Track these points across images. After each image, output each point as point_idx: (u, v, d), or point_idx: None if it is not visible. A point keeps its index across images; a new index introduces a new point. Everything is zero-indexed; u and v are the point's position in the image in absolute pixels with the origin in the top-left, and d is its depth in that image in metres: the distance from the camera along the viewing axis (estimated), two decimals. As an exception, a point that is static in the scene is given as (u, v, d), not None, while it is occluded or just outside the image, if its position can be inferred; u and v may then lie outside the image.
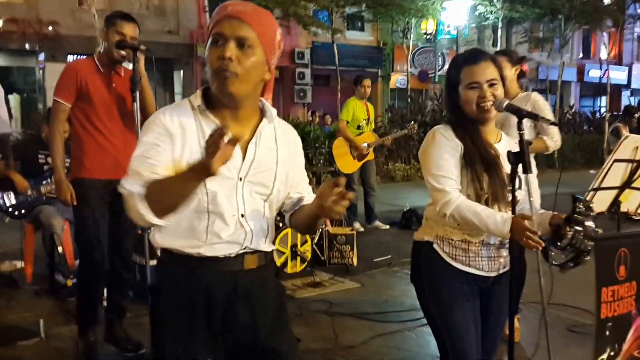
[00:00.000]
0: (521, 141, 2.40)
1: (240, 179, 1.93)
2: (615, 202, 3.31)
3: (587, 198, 3.16)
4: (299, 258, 6.02)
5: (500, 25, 22.31)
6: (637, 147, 3.15)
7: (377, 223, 8.24)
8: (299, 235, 5.96)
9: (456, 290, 2.57)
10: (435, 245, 2.58)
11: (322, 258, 6.42)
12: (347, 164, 8.01)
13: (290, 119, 13.76)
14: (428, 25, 21.40)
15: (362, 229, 8.02)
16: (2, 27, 16.45)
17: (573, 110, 23.05)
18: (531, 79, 25.85)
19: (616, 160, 3.12)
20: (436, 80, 22.90)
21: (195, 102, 1.91)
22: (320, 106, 19.61)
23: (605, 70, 21.35)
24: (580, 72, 30.52)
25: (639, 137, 3.25)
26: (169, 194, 1.76)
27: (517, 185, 2.47)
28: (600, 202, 3.27)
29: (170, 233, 1.94)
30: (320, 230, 6.46)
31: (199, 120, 1.90)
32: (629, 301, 3.26)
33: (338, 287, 5.76)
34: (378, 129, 13.46)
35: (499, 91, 2.53)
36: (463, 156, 2.49)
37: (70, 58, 16.22)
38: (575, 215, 2.41)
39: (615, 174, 3.21)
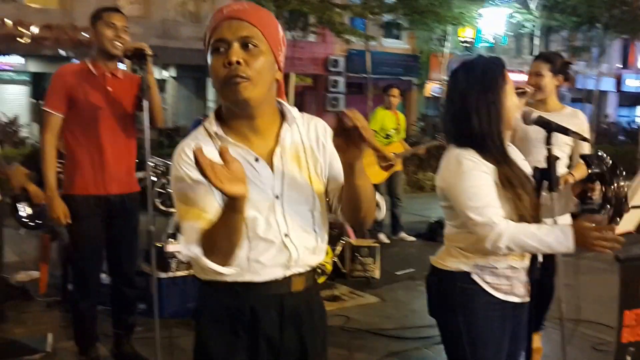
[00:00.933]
0: (549, 157, 2.25)
1: (277, 196, 1.79)
2: (644, 221, 3.11)
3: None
4: (319, 271, 5.87)
5: (538, 34, 21.93)
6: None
7: (403, 234, 8.05)
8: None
9: (495, 328, 2.34)
10: (474, 276, 2.31)
11: (343, 271, 6.26)
12: (373, 174, 7.83)
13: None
14: (467, 33, 21.15)
15: (387, 241, 7.85)
16: (37, 33, 16.70)
17: (608, 119, 22.57)
18: (569, 87, 25.40)
19: (645, 177, 2.91)
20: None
21: (212, 129, 1.78)
22: (355, 114, 19.39)
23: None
24: (618, 81, 29.92)
25: None
26: (220, 240, 1.67)
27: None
28: (629, 220, 3.07)
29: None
30: (343, 242, 6.32)
31: (215, 146, 1.75)
32: (654, 326, 3.04)
33: (357, 302, 5.61)
34: (409, 138, 13.28)
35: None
36: (499, 178, 2.23)
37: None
38: (593, 170, 2.24)
39: (642, 190, 3.00)
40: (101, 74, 3.61)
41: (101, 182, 3.63)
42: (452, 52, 21.75)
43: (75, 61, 17.08)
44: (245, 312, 1.83)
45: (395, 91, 7.87)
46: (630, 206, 2.96)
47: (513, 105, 2.30)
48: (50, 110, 3.57)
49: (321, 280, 5.86)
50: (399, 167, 7.98)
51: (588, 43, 21.79)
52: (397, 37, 23.79)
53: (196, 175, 1.63)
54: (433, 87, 24.55)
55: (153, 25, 18.07)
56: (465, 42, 21.75)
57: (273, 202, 1.78)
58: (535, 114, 2.35)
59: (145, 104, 3.54)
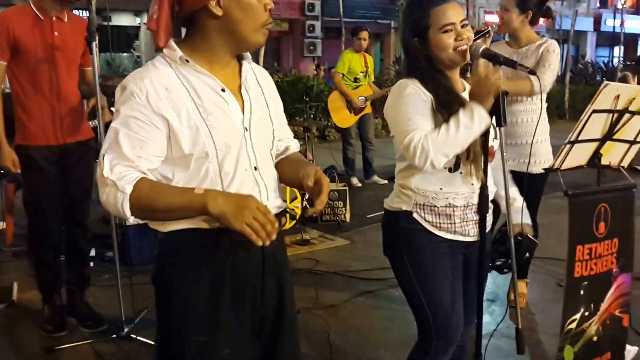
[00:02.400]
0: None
1: (246, 128, 1.78)
2: (596, 155, 3.10)
3: (564, 151, 2.96)
4: (288, 215, 5.86)
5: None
6: (617, 96, 2.91)
7: (376, 178, 8.05)
8: (288, 191, 5.82)
9: (442, 264, 2.38)
10: (415, 215, 2.35)
11: (314, 215, 6.28)
12: (343, 118, 7.81)
13: (292, 73, 13.51)
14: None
15: (359, 184, 7.88)
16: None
17: (585, 60, 22.48)
18: (548, 28, 25.23)
19: (595, 111, 2.88)
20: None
21: (175, 55, 1.71)
22: (332, 60, 19.25)
23: (622, 20, 20.73)
24: (597, 21, 29.63)
25: (620, 84, 3.00)
26: (160, 208, 1.65)
27: (491, 138, 2.29)
28: (579, 156, 3.07)
29: None
30: (312, 186, 6.30)
31: (183, 75, 1.72)
32: (609, 259, 3.07)
33: (327, 245, 5.66)
34: (385, 82, 13.18)
35: (471, 33, 2.31)
36: (437, 108, 2.24)
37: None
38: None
39: (595, 125, 2.97)
40: (48, 18, 3.45)
41: (54, 130, 3.52)
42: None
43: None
44: (226, 267, 1.78)
45: (364, 34, 7.75)
46: (579, 139, 2.97)
47: (441, 46, 2.27)
48: None
49: (291, 224, 5.88)
50: (368, 110, 7.93)
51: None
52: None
53: (152, 116, 1.65)
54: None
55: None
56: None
57: (243, 134, 1.77)
58: (481, 47, 2.27)
59: (94, 45, 3.39)
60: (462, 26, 2.28)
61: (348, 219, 6.32)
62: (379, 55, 22.99)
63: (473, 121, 2.14)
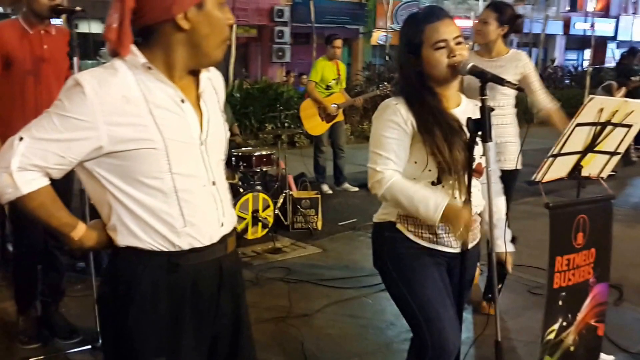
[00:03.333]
0: (483, 107, 2.18)
1: (202, 142, 1.71)
2: (577, 168, 3.12)
3: (547, 164, 2.97)
4: (260, 224, 5.80)
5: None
6: (601, 110, 2.92)
7: (346, 185, 8.00)
8: (260, 200, 5.75)
9: (425, 264, 2.39)
10: (398, 225, 2.40)
11: (286, 223, 6.21)
12: (315, 125, 7.76)
13: (263, 80, 13.42)
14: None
15: (330, 192, 7.81)
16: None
17: (554, 64, 22.74)
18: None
19: (579, 125, 2.90)
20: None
21: (139, 60, 1.63)
22: (301, 65, 19.23)
23: (592, 23, 21.01)
24: (567, 25, 29.82)
25: (604, 98, 3.02)
26: (42, 220, 1.67)
27: (476, 154, 2.29)
28: (561, 167, 3.08)
29: (133, 227, 1.66)
30: (284, 194, 6.25)
31: (143, 82, 1.63)
32: (586, 269, 3.07)
33: (299, 253, 5.58)
34: (354, 88, 13.19)
35: (466, 51, 2.33)
36: (419, 129, 2.29)
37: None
38: None
39: (577, 138, 2.99)
40: (37, 31, 3.46)
41: None
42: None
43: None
44: (186, 287, 1.71)
45: (338, 42, 7.71)
46: (560, 153, 2.97)
47: (433, 62, 2.30)
48: None
49: (263, 233, 5.81)
50: (340, 117, 7.90)
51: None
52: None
53: (95, 123, 1.57)
54: (380, 36, 24.35)
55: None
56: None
57: (199, 148, 1.71)
58: (470, 64, 2.27)
59: (75, 61, 3.38)
60: (457, 43, 2.30)
61: (320, 227, 6.26)
62: (347, 60, 23.04)
63: (428, 210, 2.23)
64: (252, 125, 10.97)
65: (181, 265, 1.69)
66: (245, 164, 6.04)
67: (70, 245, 1.72)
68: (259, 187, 5.95)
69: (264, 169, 6.17)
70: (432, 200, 2.23)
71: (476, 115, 2.23)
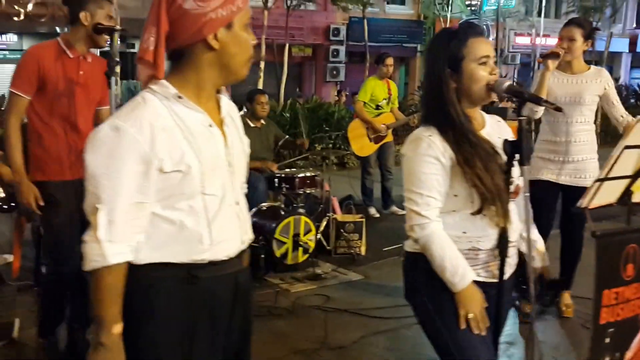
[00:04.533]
0: (520, 129, 2.05)
1: (229, 164, 1.82)
2: (627, 193, 2.86)
3: (593, 188, 2.73)
4: (301, 249, 5.61)
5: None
6: (653, 131, 2.67)
7: (394, 208, 7.75)
8: (302, 223, 5.57)
9: None
10: None
11: (328, 248, 6.02)
12: (363, 146, 7.57)
13: (313, 99, 13.30)
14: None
15: (377, 215, 7.60)
16: (32, 10, 16.37)
17: (619, 82, 22.00)
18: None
19: (627, 147, 2.66)
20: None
21: (170, 91, 1.72)
22: (354, 85, 19.13)
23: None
24: (633, 42, 28.95)
25: None
26: (96, 300, 1.70)
27: (515, 176, 2.15)
28: (609, 192, 2.83)
29: (158, 243, 1.73)
30: (327, 217, 6.07)
31: (174, 112, 1.72)
32: (636, 304, 2.80)
33: (339, 280, 5.39)
34: (409, 107, 12.95)
35: (497, 71, 2.21)
36: (458, 161, 2.14)
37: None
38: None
39: (627, 161, 2.75)
40: (76, 57, 3.45)
41: (76, 166, 3.44)
42: (458, 17, 21.30)
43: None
44: (205, 299, 1.78)
45: (389, 60, 7.51)
46: (608, 177, 2.72)
47: (476, 78, 2.17)
48: (17, 92, 3.37)
49: (303, 258, 5.63)
50: (389, 138, 7.69)
51: (600, 3, 21.08)
52: (402, 3, 23.28)
53: (139, 170, 1.66)
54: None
55: (150, -1, 17.71)
56: (471, 5, 21.29)
57: (227, 169, 1.80)
58: (506, 83, 2.15)
59: (113, 80, 3.39)
60: (494, 62, 2.21)
61: (363, 252, 6.05)
62: (404, 79, 22.86)
63: (454, 276, 2.16)
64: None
65: (200, 277, 1.75)
66: (288, 186, 5.92)
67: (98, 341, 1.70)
68: (301, 210, 5.79)
69: (308, 191, 6.01)
70: (461, 269, 2.16)
71: (502, 133, 2.19)
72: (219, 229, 1.76)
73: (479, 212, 2.17)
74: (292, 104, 11.86)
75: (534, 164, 4.25)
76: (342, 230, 6.01)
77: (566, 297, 4.44)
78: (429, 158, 2.15)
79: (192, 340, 1.78)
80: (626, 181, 2.76)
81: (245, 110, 6.37)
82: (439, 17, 22.01)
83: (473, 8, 21.48)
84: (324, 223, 6.06)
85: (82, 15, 3.35)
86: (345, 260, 5.89)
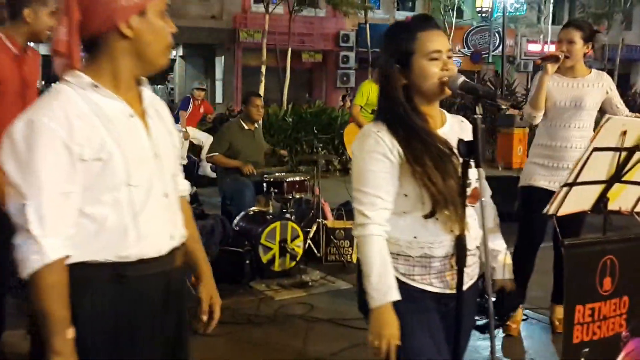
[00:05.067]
0: (475, 128, 1.91)
1: (155, 155, 1.75)
2: (602, 200, 2.68)
3: (560, 194, 2.56)
4: (288, 255, 5.48)
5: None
6: (624, 132, 2.49)
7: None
8: (289, 229, 5.44)
9: (415, 309, 2.08)
10: None
11: (318, 255, 5.88)
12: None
13: (317, 104, 13.15)
14: (484, 2, 20.53)
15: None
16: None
17: (633, 90, 21.66)
18: (596, 58, 24.51)
19: (596, 149, 2.47)
20: (490, 60, 21.92)
21: (85, 80, 1.66)
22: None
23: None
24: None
25: (626, 119, 2.61)
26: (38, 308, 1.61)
27: (471, 178, 2.02)
28: (581, 200, 2.65)
29: (81, 240, 1.63)
30: (317, 223, 5.94)
31: (92, 102, 1.66)
32: (616, 321, 2.62)
33: (327, 288, 5.24)
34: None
35: (455, 67, 2.06)
36: (407, 158, 2.01)
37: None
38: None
39: (599, 165, 2.56)
40: (21, 51, 3.32)
41: None
42: (468, 23, 21.14)
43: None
44: (129, 301, 1.69)
45: None
46: (577, 182, 2.55)
47: (425, 74, 2.03)
48: None
49: (291, 265, 5.49)
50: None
51: (611, 9, 20.82)
52: (412, 9, 23.15)
53: (67, 160, 1.59)
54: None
55: (161, 4, 17.72)
56: (482, 11, 21.14)
57: (153, 161, 1.74)
58: (460, 79, 2.00)
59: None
60: (448, 57, 2.05)
61: (355, 260, 5.90)
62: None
63: (376, 292, 2.01)
64: (303, 150, 10.75)
65: (128, 276, 1.68)
66: (276, 190, 5.80)
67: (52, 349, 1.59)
68: (287, 215, 5.66)
69: (297, 196, 5.88)
70: (385, 286, 2.00)
71: (464, 134, 2.01)
72: (146, 223, 1.69)
73: (431, 215, 2.04)
74: (294, 109, 11.76)
75: (527, 170, 4.10)
76: (332, 237, 5.87)
77: (558, 312, 4.23)
78: (376, 155, 2.03)
79: (121, 344, 1.70)
80: (600, 187, 2.58)
81: (239, 112, 6.30)
82: (449, 25, 21.88)
83: (484, 15, 21.30)
84: (314, 229, 5.92)
85: (25, 12, 3.24)
86: (336, 268, 5.74)
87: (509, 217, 3.39)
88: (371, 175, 2.03)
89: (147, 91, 1.82)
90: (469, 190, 2.01)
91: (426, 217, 2.04)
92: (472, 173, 1.99)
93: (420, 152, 2.01)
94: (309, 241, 5.76)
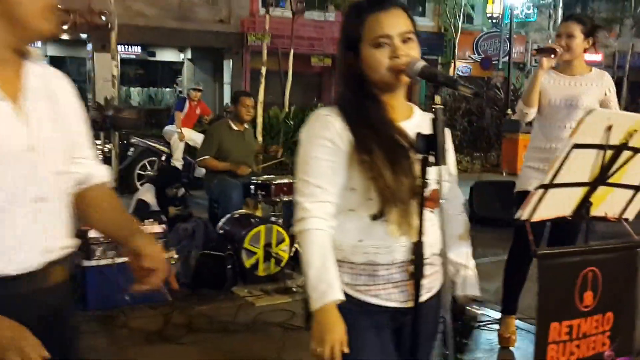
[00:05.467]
0: (435, 120, 1.70)
1: (29, 149, 1.46)
2: (584, 204, 2.44)
3: (535, 197, 2.33)
4: (273, 259, 5.29)
5: (560, 5, 20.95)
6: (609, 127, 2.25)
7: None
8: (274, 233, 5.24)
9: (362, 326, 1.85)
10: None
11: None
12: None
13: (318, 107, 12.92)
14: (494, 8, 20.30)
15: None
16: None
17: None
18: (607, 65, 24.20)
19: (576, 146, 2.24)
20: (500, 67, 21.68)
21: None
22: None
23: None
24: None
25: (612, 112, 2.37)
26: None
27: (432, 179, 1.77)
28: (559, 203, 2.41)
29: None
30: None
31: None
32: (598, 340, 2.39)
33: (311, 294, 5.02)
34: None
35: (415, 51, 1.82)
36: (356, 146, 1.79)
37: (120, 48, 16.03)
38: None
39: (580, 164, 2.31)
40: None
41: None
42: (479, 29, 20.92)
43: (89, 46, 16.90)
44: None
45: None
46: (555, 183, 2.33)
47: (371, 63, 1.82)
48: None
49: (276, 270, 5.29)
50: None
51: (620, 14, 20.50)
52: (422, 14, 22.95)
53: None
54: (459, 66, 23.68)
55: (169, 7, 17.73)
56: (492, 17, 20.92)
57: (24, 155, 1.45)
58: (420, 64, 1.77)
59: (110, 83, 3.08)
60: (404, 40, 1.80)
61: (344, 266, 5.69)
62: (425, 91, 22.47)
63: (314, 291, 1.76)
64: (304, 153, 10.56)
65: None
66: (264, 193, 5.62)
67: None
68: (273, 219, 5.47)
69: (286, 199, 5.70)
70: (324, 284, 1.75)
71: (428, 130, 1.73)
72: (3, 235, 1.42)
73: (380, 215, 1.81)
74: (296, 111, 11.60)
75: (523, 174, 3.89)
76: (321, 242, 5.66)
77: (511, 323, 4.07)
78: (323, 140, 1.81)
79: None
80: (582, 190, 2.34)
81: (228, 112, 6.15)
82: (461, 31, 21.69)
83: (495, 20, 21.06)
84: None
85: None
86: (323, 274, 5.53)
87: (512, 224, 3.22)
88: (314, 163, 1.81)
89: (36, 67, 1.54)
90: (427, 192, 1.78)
91: (374, 217, 1.82)
92: (432, 172, 1.76)
93: (370, 139, 1.80)
94: (295, 245, 5.56)
